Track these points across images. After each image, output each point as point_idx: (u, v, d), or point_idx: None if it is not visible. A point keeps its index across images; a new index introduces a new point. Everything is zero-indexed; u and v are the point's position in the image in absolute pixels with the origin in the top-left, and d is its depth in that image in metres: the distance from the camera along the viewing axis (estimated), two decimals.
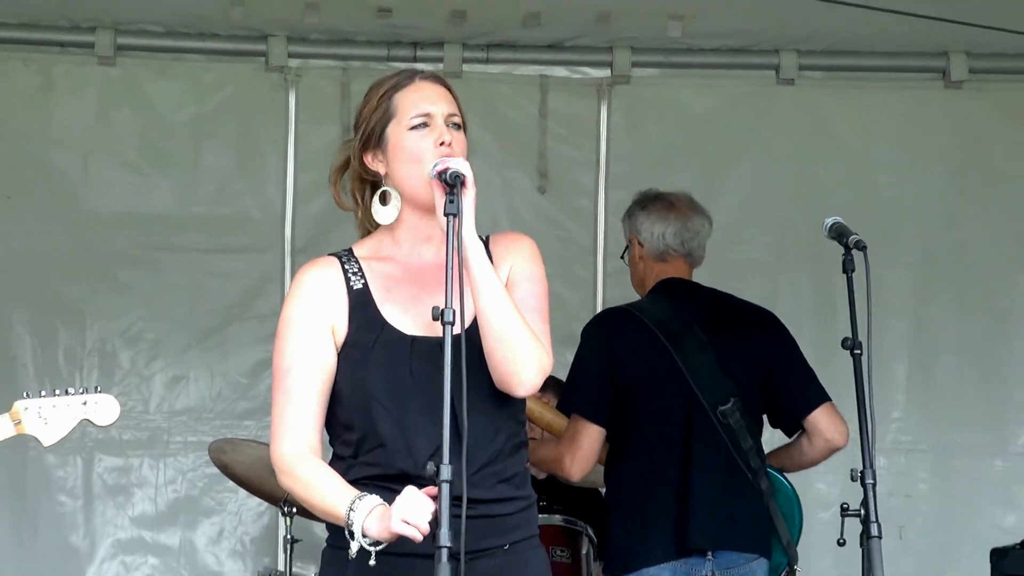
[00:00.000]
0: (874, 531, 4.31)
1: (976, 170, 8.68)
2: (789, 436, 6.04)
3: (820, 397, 5.78)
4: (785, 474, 6.08)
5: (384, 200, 4.09)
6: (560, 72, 8.76)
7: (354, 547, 3.63)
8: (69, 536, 8.41)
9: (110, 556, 8.46)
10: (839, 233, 4.54)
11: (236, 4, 7.99)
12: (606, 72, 8.70)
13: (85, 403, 4.59)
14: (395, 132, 4.13)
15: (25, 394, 4.53)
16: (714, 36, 8.46)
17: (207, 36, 8.40)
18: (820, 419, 5.80)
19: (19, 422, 4.48)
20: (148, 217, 8.50)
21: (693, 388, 5.80)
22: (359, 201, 4.22)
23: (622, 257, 6.22)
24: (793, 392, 5.96)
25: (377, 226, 4.19)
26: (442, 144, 3.99)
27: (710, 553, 5.70)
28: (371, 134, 4.15)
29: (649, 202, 6.10)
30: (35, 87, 8.52)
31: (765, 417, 6.07)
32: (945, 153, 8.67)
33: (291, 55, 8.45)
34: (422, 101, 4.12)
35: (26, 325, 8.41)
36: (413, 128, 4.08)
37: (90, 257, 8.45)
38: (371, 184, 4.17)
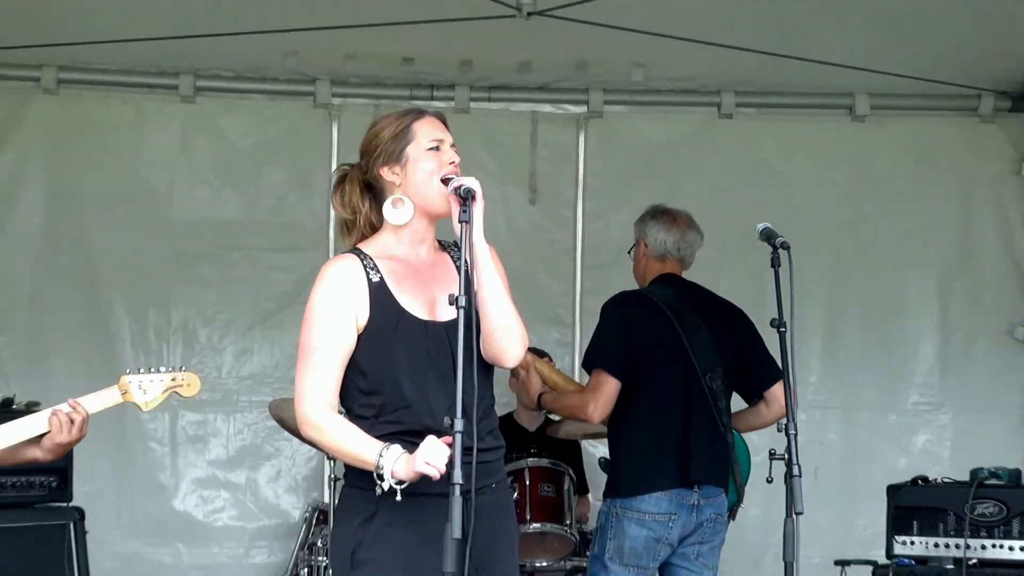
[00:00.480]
0: (795, 471, 4.44)
1: (875, 186, 8.88)
2: (749, 403, 6.20)
3: (778, 374, 5.71)
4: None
5: (394, 205, 4.17)
6: (547, 108, 8.90)
7: (384, 486, 3.81)
8: (159, 475, 8.55)
9: (191, 491, 8.61)
10: (768, 236, 4.65)
11: (290, 54, 8.18)
12: (583, 108, 8.84)
13: (174, 379, 4.75)
14: (414, 152, 4.24)
15: (128, 370, 4.67)
16: (668, 80, 8.61)
17: (267, 80, 8.58)
18: (777, 391, 5.87)
19: (125, 392, 4.65)
20: (220, 223, 8.63)
21: (691, 357, 5.97)
22: (359, 209, 4.31)
23: (629, 252, 6.36)
24: (759, 370, 6.09)
25: (373, 231, 4.30)
26: (452, 163, 4.16)
27: (697, 486, 5.85)
28: (391, 152, 4.23)
29: (659, 214, 6.24)
30: (131, 120, 8.67)
31: None
32: (851, 173, 8.88)
33: (334, 95, 8.60)
34: (436, 131, 4.29)
35: (124, 309, 8.56)
36: (429, 149, 4.20)
37: (175, 255, 8.63)
38: (371, 196, 4.29)
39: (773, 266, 4.65)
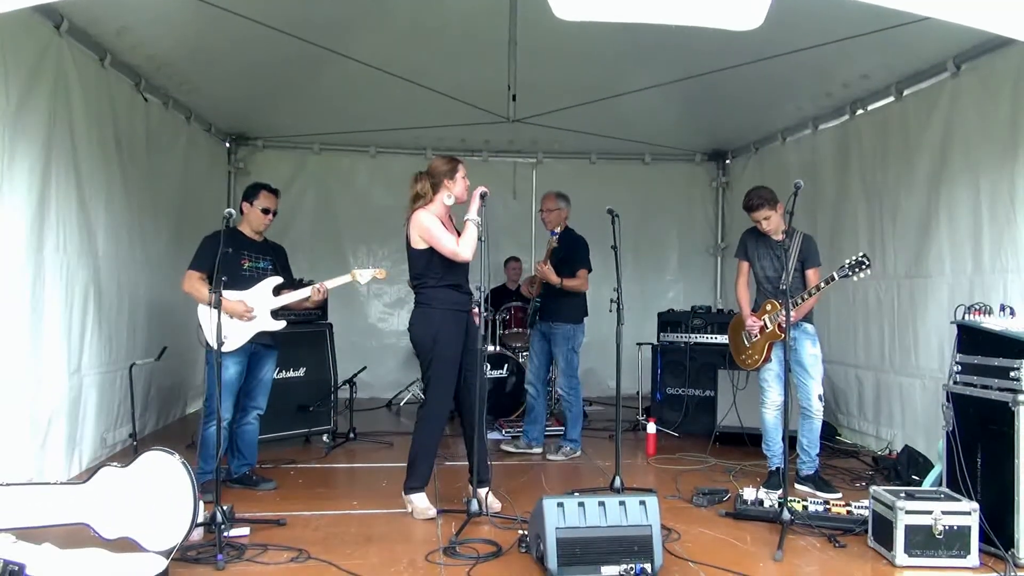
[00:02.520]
0: (622, 307, 4.33)
1: (652, 194, 8.62)
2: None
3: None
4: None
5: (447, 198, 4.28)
6: (520, 160, 8.54)
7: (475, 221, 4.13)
8: (360, 309, 8.41)
9: (375, 314, 8.47)
10: (610, 211, 4.57)
11: (416, 137, 7.96)
12: (535, 160, 8.53)
13: (375, 269, 4.68)
14: (459, 175, 4.30)
15: (354, 266, 4.68)
16: (570, 147, 8.34)
17: (406, 148, 8.23)
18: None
19: (353, 275, 4.58)
20: (385, 206, 8.26)
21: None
22: (428, 192, 4.29)
23: (550, 225, 5.75)
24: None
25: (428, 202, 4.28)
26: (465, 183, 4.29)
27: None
28: (447, 174, 4.28)
29: (568, 197, 5.82)
30: (350, 165, 8.39)
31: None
32: (643, 187, 8.60)
33: (433, 154, 8.03)
34: (464, 168, 4.34)
35: (348, 243, 8.33)
36: (463, 177, 4.30)
37: (368, 220, 8.30)
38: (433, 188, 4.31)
39: (612, 224, 4.54)
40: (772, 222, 4.82)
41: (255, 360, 4.66)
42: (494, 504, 4.27)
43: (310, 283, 4.77)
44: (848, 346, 6.25)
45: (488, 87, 6.23)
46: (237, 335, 4.47)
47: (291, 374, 5.85)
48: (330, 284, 4.65)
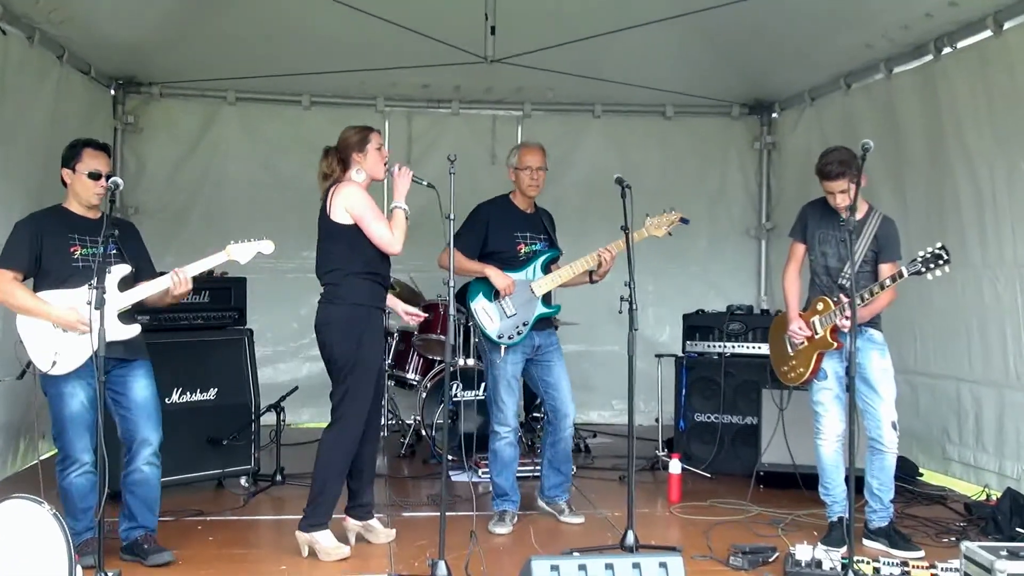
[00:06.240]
0: (634, 307, 4.52)
1: (675, 154, 8.61)
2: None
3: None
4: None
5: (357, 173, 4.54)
6: (500, 113, 8.54)
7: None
8: (293, 307, 8.24)
9: (308, 315, 8.29)
10: (619, 180, 4.68)
11: (362, 83, 7.96)
12: (520, 113, 8.52)
13: (258, 241, 4.38)
14: (370, 146, 4.57)
15: (231, 240, 4.34)
16: (566, 97, 8.35)
17: (349, 97, 8.19)
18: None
19: (228, 252, 4.32)
20: (315, 174, 8.31)
21: None
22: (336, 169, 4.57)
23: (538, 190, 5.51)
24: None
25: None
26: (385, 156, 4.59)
27: None
28: (356, 146, 4.57)
29: None
30: (275, 117, 8.31)
31: None
32: (663, 147, 8.63)
33: (385, 105, 8.25)
34: (378, 139, 4.61)
35: (275, 221, 7.94)
36: (377, 148, 4.56)
37: (295, 194, 8.03)
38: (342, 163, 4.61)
39: (623, 195, 4.62)
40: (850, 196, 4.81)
41: (116, 381, 4.34)
42: (388, 532, 4.74)
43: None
44: (959, 356, 6.09)
45: (459, 17, 6.20)
46: (73, 352, 4.13)
47: (198, 396, 5.78)
48: (194, 268, 4.34)
